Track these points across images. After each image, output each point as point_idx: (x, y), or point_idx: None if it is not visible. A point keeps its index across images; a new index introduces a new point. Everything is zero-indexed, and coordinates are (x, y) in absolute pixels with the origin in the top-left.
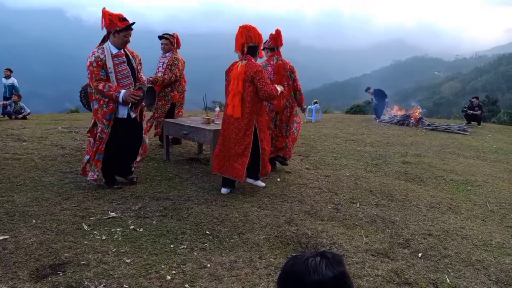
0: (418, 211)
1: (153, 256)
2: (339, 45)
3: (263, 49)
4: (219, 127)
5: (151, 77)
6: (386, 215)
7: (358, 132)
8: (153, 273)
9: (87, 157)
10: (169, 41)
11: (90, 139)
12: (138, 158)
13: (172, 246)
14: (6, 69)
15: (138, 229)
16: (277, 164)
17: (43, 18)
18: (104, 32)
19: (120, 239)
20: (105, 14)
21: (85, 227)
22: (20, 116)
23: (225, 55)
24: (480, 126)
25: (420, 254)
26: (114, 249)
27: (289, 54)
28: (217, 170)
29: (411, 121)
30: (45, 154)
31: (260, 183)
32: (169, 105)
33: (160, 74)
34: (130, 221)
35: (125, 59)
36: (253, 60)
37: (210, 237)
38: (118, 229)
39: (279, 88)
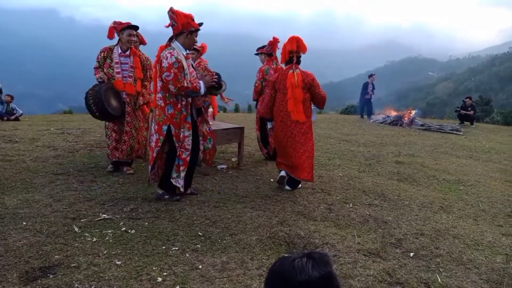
0: (411, 211)
1: (145, 257)
2: (334, 45)
3: (259, 54)
4: (212, 128)
5: None
6: (379, 215)
7: (352, 133)
8: (144, 275)
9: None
10: None
11: (156, 148)
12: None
13: (163, 247)
14: None
15: (129, 230)
16: (269, 163)
17: (36, 19)
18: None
19: (111, 241)
20: (180, 13)
21: (76, 229)
22: (12, 117)
23: (220, 55)
24: (473, 126)
25: (412, 254)
26: (105, 251)
27: None
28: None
29: (405, 121)
30: (37, 156)
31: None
32: None
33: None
34: (121, 223)
35: (191, 62)
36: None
37: (202, 238)
38: (109, 231)
39: None
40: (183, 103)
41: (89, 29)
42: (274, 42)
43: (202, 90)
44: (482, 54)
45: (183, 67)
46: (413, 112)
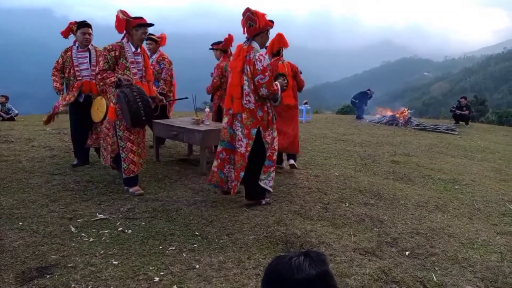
0: (406, 210)
1: (141, 257)
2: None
3: (214, 50)
4: (210, 127)
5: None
6: (375, 214)
7: (348, 132)
8: (141, 275)
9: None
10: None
11: (246, 153)
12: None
13: (160, 247)
14: None
15: (126, 230)
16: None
17: (31, 18)
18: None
19: (108, 241)
20: (259, 13)
21: (73, 229)
22: (7, 117)
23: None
24: (468, 125)
25: (407, 253)
26: (102, 251)
27: None
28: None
29: (400, 121)
30: (33, 156)
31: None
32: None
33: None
34: (118, 223)
35: None
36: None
37: (199, 238)
38: (106, 231)
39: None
40: (268, 105)
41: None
42: (229, 39)
43: (279, 93)
44: (477, 55)
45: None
46: (407, 111)
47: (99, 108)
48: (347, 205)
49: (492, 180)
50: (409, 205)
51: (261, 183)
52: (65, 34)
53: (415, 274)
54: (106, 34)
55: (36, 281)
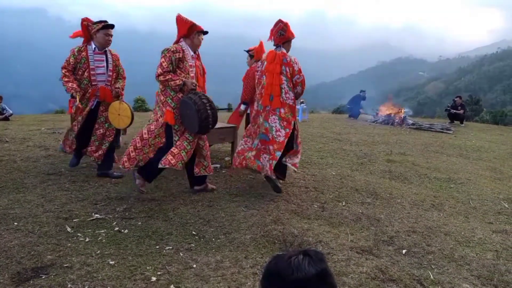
0: (402, 209)
1: (138, 257)
2: (325, 46)
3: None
4: None
5: None
6: (371, 213)
7: (344, 132)
8: (138, 275)
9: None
10: None
11: (285, 139)
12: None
13: (157, 247)
14: None
15: (122, 230)
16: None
17: (25, 18)
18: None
19: (104, 241)
20: (288, 24)
21: (69, 229)
22: (2, 117)
23: (210, 55)
24: (463, 125)
25: (404, 251)
26: (98, 251)
27: None
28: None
29: (396, 120)
30: (28, 156)
31: None
32: None
33: None
34: (114, 223)
35: None
36: None
37: (196, 237)
38: (102, 231)
39: None
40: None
41: (77, 28)
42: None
43: None
44: (472, 55)
45: None
46: (403, 111)
47: (121, 113)
48: (343, 204)
49: (487, 178)
50: (405, 203)
51: (289, 164)
52: (83, 34)
53: (412, 272)
54: None
55: (32, 282)
